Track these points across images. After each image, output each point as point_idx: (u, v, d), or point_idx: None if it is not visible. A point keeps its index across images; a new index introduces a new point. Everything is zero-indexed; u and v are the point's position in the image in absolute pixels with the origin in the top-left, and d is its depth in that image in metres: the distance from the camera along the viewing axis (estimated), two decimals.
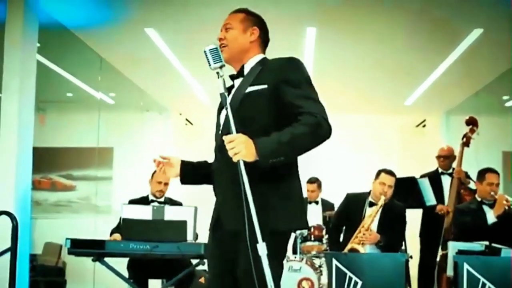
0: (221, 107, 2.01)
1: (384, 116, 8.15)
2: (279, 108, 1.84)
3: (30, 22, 3.98)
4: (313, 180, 5.88)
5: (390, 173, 4.02)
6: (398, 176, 4.14)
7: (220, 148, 1.85)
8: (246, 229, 1.68)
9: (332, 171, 7.47)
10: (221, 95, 1.83)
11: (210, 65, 1.86)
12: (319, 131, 1.77)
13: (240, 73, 2.00)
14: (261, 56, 2.03)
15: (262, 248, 1.64)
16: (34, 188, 7.54)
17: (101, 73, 5.83)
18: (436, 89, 6.67)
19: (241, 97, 1.89)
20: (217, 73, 1.87)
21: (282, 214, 1.83)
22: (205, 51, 1.86)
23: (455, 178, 4.74)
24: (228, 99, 1.84)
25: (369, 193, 4.11)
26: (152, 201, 4.38)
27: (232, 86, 2.00)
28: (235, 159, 1.70)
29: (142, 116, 7.41)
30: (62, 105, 7.04)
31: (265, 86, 1.86)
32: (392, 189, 3.99)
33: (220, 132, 1.95)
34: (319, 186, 5.94)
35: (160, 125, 7.78)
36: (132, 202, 4.36)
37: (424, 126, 8.43)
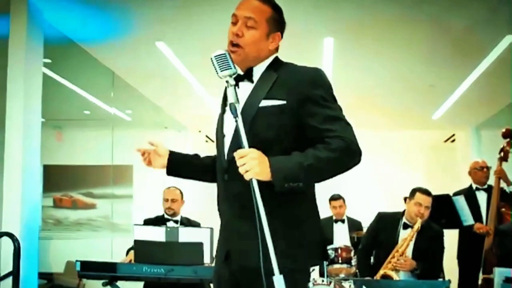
0: (221, 116, 1.67)
1: (410, 131, 7.71)
2: (301, 129, 1.53)
3: (34, 36, 3.70)
4: (337, 197, 5.46)
5: (426, 192, 3.59)
6: None
7: (230, 165, 1.54)
8: (261, 265, 1.38)
9: (356, 189, 7.02)
10: (231, 106, 1.48)
11: (217, 73, 1.54)
12: (349, 158, 1.49)
13: (247, 75, 1.62)
14: (272, 56, 1.66)
15: (279, 282, 1.35)
16: (55, 206, 7.52)
17: (114, 89, 5.57)
18: (465, 102, 6.23)
19: (254, 113, 1.54)
20: (227, 81, 1.53)
21: (299, 249, 1.54)
22: (211, 58, 1.54)
23: (495, 178, 4.26)
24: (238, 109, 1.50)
25: (403, 213, 3.68)
26: (167, 220, 4.12)
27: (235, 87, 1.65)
28: (246, 177, 1.41)
29: (160, 133, 7.16)
30: (80, 123, 6.83)
31: (283, 102, 1.53)
32: (429, 210, 3.56)
33: (224, 146, 1.61)
34: (344, 202, 5.52)
35: (180, 142, 7.51)
36: (147, 221, 4.13)
37: (453, 141, 7.96)
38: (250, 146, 1.44)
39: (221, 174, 1.61)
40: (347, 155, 1.48)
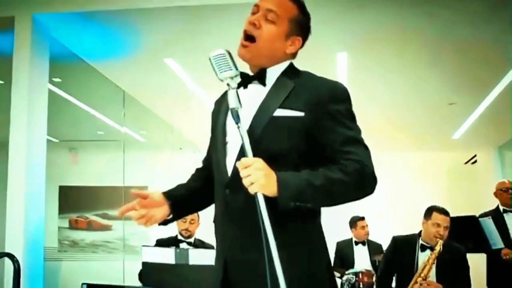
0: (223, 122, 1.45)
1: (429, 152, 7.37)
2: (312, 146, 1.35)
3: (39, 52, 3.53)
4: (361, 217, 5.16)
5: (444, 211, 3.34)
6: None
7: (233, 178, 1.33)
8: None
9: (374, 212, 6.69)
10: (232, 111, 1.28)
11: (216, 74, 1.35)
12: (364, 185, 1.33)
13: (259, 77, 1.42)
14: (288, 61, 1.47)
15: None
16: (71, 227, 7.40)
17: (125, 108, 5.42)
18: (487, 120, 5.90)
19: (266, 122, 1.34)
20: (228, 84, 1.33)
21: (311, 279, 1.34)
22: (209, 59, 1.35)
23: None
24: (241, 113, 1.28)
25: (419, 234, 3.42)
26: (181, 241, 3.90)
27: (241, 86, 1.42)
28: (251, 190, 1.21)
29: (175, 154, 6.97)
30: (94, 144, 6.71)
31: (301, 114, 1.34)
32: (448, 230, 3.29)
33: (226, 156, 1.40)
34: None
35: (195, 163, 7.30)
36: (159, 241, 3.93)
37: (474, 162, 7.58)
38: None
39: (221, 189, 1.39)
40: (362, 182, 1.31)
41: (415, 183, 7.32)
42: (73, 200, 6.93)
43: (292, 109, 1.34)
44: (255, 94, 1.40)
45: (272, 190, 1.21)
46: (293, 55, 1.47)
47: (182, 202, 1.52)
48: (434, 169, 7.51)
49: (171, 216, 1.49)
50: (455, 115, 5.88)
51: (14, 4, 3.51)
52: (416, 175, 7.40)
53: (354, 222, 5.16)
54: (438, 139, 6.89)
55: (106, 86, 4.81)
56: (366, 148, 1.36)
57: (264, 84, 1.41)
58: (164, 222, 1.50)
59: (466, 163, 7.67)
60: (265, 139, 1.32)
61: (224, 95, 1.45)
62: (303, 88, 1.37)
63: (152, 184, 6.87)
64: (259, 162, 1.22)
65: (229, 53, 1.35)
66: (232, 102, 1.29)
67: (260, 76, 1.42)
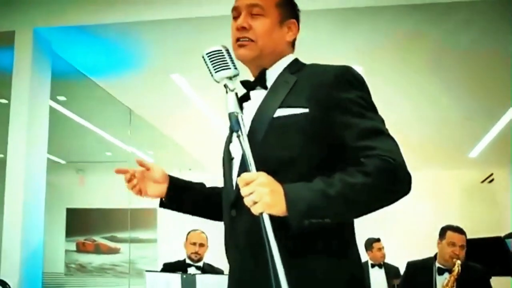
0: (229, 134, 1.26)
1: (444, 171, 7.06)
2: (326, 147, 1.12)
3: (40, 68, 3.36)
4: (376, 239, 4.86)
5: (459, 230, 3.11)
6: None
7: (239, 196, 1.08)
8: None
9: (386, 233, 6.37)
10: (230, 116, 1.10)
11: (211, 75, 1.17)
12: (392, 184, 1.07)
13: (260, 81, 1.23)
14: (291, 56, 1.27)
15: None
16: (78, 250, 7.19)
17: (131, 127, 5.23)
18: (505, 137, 5.58)
19: (266, 127, 1.14)
20: (225, 85, 1.15)
21: None
22: (203, 57, 1.18)
23: None
24: (243, 123, 1.10)
25: (435, 257, 3.17)
26: (189, 265, 3.67)
27: (246, 98, 1.24)
28: (255, 211, 1.00)
29: (184, 175, 6.77)
30: (102, 165, 6.53)
31: (305, 111, 1.13)
32: (465, 249, 3.06)
33: (232, 173, 1.20)
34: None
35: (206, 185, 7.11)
36: (166, 265, 3.71)
37: (491, 181, 7.25)
38: (259, 171, 1.04)
39: (228, 210, 1.19)
40: (390, 181, 1.05)
41: (429, 203, 6.99)
42: (81, 223, 6.77)
43: (294, 106, 1.13)
44: (256, 100, 1.21)
45: (280, 208, 1.00)
46: (293, 44, 1.28)
47: (181, 192, 1.34)
48: (448, 189, 7.19)
49: (163, 199, 1.34)
50: (472, 132, 5.59)
51: (15, 18, 3.36)
52: (429, 194, 7.06)
53: (370, 244, 4.87)
54: (453, 156, 6.59)
55: (112, 104, 4.63)
56: (389, 138, 1.11)
57: (266, 87, 1.22)
58: (162, 205, 1.36)
59: (482, 182, 7.33)
60: (268, 146, 1.12)
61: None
62: (307, 80, 1.16)
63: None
64: (263, 177, 1.01)
65: (227, 50, 1.17)
66: (230, 105, 1.10)
67: (261, 80, 1.23)
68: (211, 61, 1.15)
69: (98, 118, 5.14)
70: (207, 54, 1.16)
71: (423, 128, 5.48)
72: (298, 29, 1.27)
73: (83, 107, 4.77)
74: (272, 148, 1.11)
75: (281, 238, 0.96)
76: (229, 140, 1.25)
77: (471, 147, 6.18)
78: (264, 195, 0.98)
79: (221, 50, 1.15)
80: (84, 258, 6.72)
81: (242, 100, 1.22)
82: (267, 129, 1.13)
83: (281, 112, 1.13)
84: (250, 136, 1.10)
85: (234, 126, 1.07)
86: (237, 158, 1.18)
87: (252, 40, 1.19)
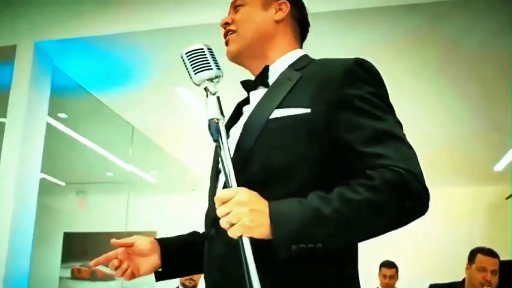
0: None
1: (467, 186, 6.70)
2: (328, 155, 0.94)
3: (39, 84, 3.12)
4: (391, 264, 4.55)
5: (490, 253, 2.84)
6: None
7: (216, 220, 0.94)
8: None
9: (405, 256, 6.03)
10: (209, 123, 0.96)
11: (190, 77, 1.03)
12: (404, 203, 0.87)
13: (262, 79, 1.08)
14: (298, 52, 1.12)
15: None
16: (73, 277, 6.82)
17: (133, 146, 4.98)
18: None
19: (260, 129, 0.97)
20: (206, 89, 1.00)
21: None
22: (181, 56, 1.04)
23: None
24: (224, 131, 0.95)
25: (462, 283, 2.89)
26: None
27: (246, 102, 1.11)
28: (232, 234, 0.85)
29: (187, 196, 6.50)
30: (102, 186, 6.26)
31: (307, 111, 0.95)
32: (497, 275, 2.79)
33: (217, 188, 1.07)
34: (397, 272, 4.59)
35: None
36: None
37: None
38: (249, 183, 0.89)
39: (208, 228, 1.05)
40: (401, 198, 0.86)
41: (447, 222, 6.61)
42: (78, 248, 6.43)
43: (294, 106, 0.96)
44: (255, 101, 1.05)
45: (262, 230, 0.84)
46: (297, 29, 1.15)
47: (177, 255, 1.14)
48: (471, 205, 6.77)
49: (160, 269, 1.14)
50: (498, 144, 5.15)
51: (17, 31, 3.17)
52: (450, 212, 6.66)
53: (380, 267, 4.58)
54: (477, 171, 6.19)
55: (114, 121, 4.39)
56: (405, 145, 0.91)
57: (267, 85, 1.07)
58: (160, 277, 1.14)
59: (507, 198, 6.95)
60: (258, 153, 0.96)
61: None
62: (313, 76, 1.00)
63: (162, 229, 6.36)
64: (242, 193, 0.86)
65: (210, 49, 1.03)
66: (210, 111, 0.96)
67: (262, 77, 1.08)
68: (190, 62, 1.00)
69: (99, 136, 4.90)
70: (186, 53, 1.01)
71: (446, 139, 5.08)
72: (295, 9, 1.14)
73: (84, 125, 4.54)
74: (263, 155, 0.95)
75: (264, 267, 0.81)
76: (216, 155, 1.09)
77: (497, 160, 5.79)
78: (242, 216, 0.83)
79: (202, 49, 1.01)
80: (79, 286, 6.34)
81: (243, 104, 1.10)
82: (260, 133, 0.96)
83: (278, 113, 0.96)
84: (240, 143, 0.97)
85: (213, 134, 0.92)
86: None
87: (235, 31, 1.11)
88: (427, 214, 0.91)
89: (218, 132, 0.92)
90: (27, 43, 3.11)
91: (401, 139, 0.91)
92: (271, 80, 1.06)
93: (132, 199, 5.73)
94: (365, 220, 0.85)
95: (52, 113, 4.03)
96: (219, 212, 0.85)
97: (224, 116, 0.97)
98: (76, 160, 5.09)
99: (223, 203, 0.85)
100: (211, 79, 0.99)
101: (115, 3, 3.10)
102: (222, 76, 1.01)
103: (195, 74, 1.00)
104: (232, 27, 1.11)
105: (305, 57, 1.10)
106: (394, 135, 0.90)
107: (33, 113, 3.05)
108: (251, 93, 1.08)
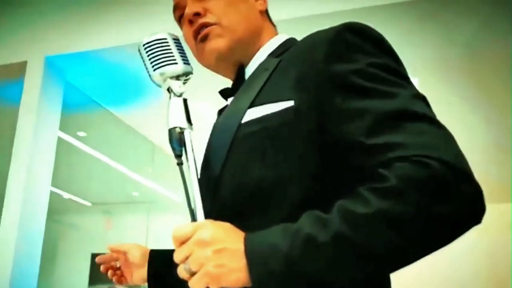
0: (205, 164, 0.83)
1: (490, 203, 6.17)
2: (324, 159, 0.67)
3: (49, 99, 2.92)
4: None
5: None
6: None
7: None
8: None
9: (418, 280, 5.56)
10: (171, 133, 0.74)
11: (149, 75, 0.80)
12: (444, 203, 0.55)
13: (238, 80, 0.86)
14: (280, 38, 0.88)
15: None
16: None
17: (155, 164, 4.77)
18: None
19: (230, 137, 0.73)
20: (169, 90, 0.78)
21: None
22: (139, 49, 0.81)
23: None
24: (190, 144, 0.74)
25: None
26: None
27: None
28: (193, 286, 0.60)
29: None
30: (128, 206, 6.09)
31: (289, 104, 0.69)
32: None
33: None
34: None
35: None
36: None
37: None
38: (221, 213, 0.66)
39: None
40: (434, 201, 0.55)
41: (472, 243, 6.08)
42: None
43: (271, 101, 0.71)
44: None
45: (235, 277, 0.59)
46: (271, 21, 0.91)
47: (163, 270, 0.97)
48: (493, 226, 6.28)
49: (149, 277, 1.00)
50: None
51: (27, 47, 3.01)
52: (472, 232, 6.14)
53: None
54: (499, 188, 5.75)
55: (135, 139, 4.19)
56: (431, 123, 0.61)
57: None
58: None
59: None
60: (231, 171, 0.71)
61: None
62: (292, 59, 0.74)
63: None
64: (205, 229, 0.61)
65: (175, 39, 0.81)
66: (173, 117, 0.74)
67: (238, 78, 0.85)
68: (148, 55, 0.78)
69: (121, 155, 4.73)
70: (144, 45, 0.79)
71: (477, 149, 4.70)
72: None
73: (105, 143, 4.36)
74: (235, 173, 0.70)
75: None
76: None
77: None
78: (205, 260, 0.59)
79: (165, 39, 0.79)
80: None
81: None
82: (231, 143, 0.71)
83: (252, 114, 0.71)
84: (207, 159, 0.76)
85: (175, 148, 0.71)
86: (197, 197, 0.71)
87: (214, 24, 0.83)
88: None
89: (182, 145, 0.70)
90: (38, 58, 2.94)
91: (424, 117, 0.62)
92: (248, 75, 0.83)
93: (160, 218, 5.52)
94: (382, 242, 0.56)
95: (71, 132, 3.89)
96: (176, 257, 0.61)
97: (191, 125, 0.74)
98: (99, 179, 4.94)
99: (181, 243, 0.61)
100: (176, 77, 0.77)
101: (128, 13, 2.93)
102: (192, 73, 0.79)
103: (154, 70, 0.77)
104: (208, 19, 0.83)
105: (289, 41, 0.85)
106: (412, 113, 0.61)
107: (43, 129, 2.86)
108: (229, 99, 0.85)
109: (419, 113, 0.62)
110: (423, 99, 0.65)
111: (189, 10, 0.85)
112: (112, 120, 3.71)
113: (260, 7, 0.88)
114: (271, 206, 0.66)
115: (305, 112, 0.67)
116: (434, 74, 3.34)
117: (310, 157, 0.66)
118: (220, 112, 0.91)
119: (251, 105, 0.72)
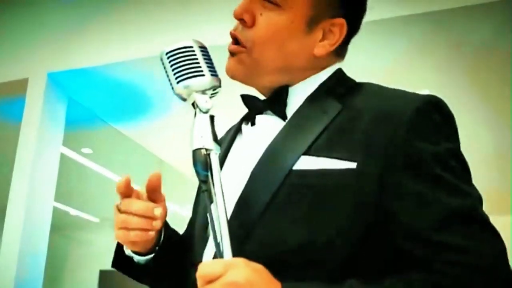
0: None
1: (503, 216, 5.99)
2: (379, 234, 0.62)
3: (52, 119, 2.84)
4: None
5: None
6: None
7: None
8: None
9: None
10: (195, 155, 0.61)
11: (172, 87, 0.67)
12: None
13: (276, 103, 0.73)
14: (331, 67, 0.75)
15: None
16: None
17: (163, 180, 4.63)
18: None
19: (278, 182, 0.64)
20: (194, 105, 0.65)
21: None
22: (161, 58, 0.68)
23: None
24: (218, 169, 0.61)
25: None
26: None
27: (248, 121, 0.77)
28: None
29: None
30: None
31: (351, 165, 0.62)
32: None
33: (205, 248, 0.71)
34: None
35: None
36: None
37: None
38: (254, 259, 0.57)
39: None
40: None
41: None
42: (114, 286, 6.11)
43: (331, 156, 0.64)
44: (264, 132, 0.71)
45: None
46: (336, 56, 0.75)
47: (171, 249, 0.77)
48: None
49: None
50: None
51: (29, 64, 2.92)
52: None
53: None
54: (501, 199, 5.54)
55: (141, 155, 4.08)
56: (490, 231, 0.61)
57: (283, 116, 0.71)
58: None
59: None
60: (275, 218, 0.63)
61: (229, 132, 0.83)
62: (360, 111, 0.67)
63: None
64: (238, 269, 0.53)
65: (202, 48, 0.68)
66: (197, 137, 0.62)
67: (277, 100, 0.73)
68: (172, 66, 0.66)
69: (127, 171, 4.62)
70: (166, 54, 0.67)
71: (498, 166, 4.57)
72: (353, 32, 0.75)
73: (111, 160, 4.25)
74: (282, 222, 0.63)
75: None
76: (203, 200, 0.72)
77: None
78: None
79: (191, 47, 0.66)
80: None
81: (242, 122, 0.77)
82: (278, 189, 0.63)
83: (306, 163, 0.64)
84: (243, 198, 0.66)
85: (199, 172, 0.60)
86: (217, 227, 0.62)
87: (244, 47, 0.72)
88: None
89: (207, 169, 0.60)
90: (40, 75, 2.86)
91: (488, 225, 0.62)
92: (290, 106, 0.71)
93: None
94: None
95: (75, 148, 3.79)
96: None
97: (220, 145, 0.63)
98: (107, 196, 4.83)
99: (209, 282, 0.53)
100: (202, 91, 0.65)
101: (130, 29, 2.84)
102: (220, 86, 0.66)
103: (177, 82, 0.65)
104: (244, 37, 0.71)
105: (341, 74, 0.74)
106: (477, 217, 0.61)
107: (45, 145, 2.76)
108: (258, 117, 0.73)
109: (484, 220, 0.61)
110: (480, 199, 0.65)
111: (239, 9, 0.72)
112: (117, 136, 3.62)
113: (318, 51, 0.72)
114: (301, 271, 0.61)
115: (365, 179, 0.62)
116: (443, 85, 3.22)
117: (355, 224, 0.62)
118: (243, 120, 0.77)
119: (306, 152, 0.64)
